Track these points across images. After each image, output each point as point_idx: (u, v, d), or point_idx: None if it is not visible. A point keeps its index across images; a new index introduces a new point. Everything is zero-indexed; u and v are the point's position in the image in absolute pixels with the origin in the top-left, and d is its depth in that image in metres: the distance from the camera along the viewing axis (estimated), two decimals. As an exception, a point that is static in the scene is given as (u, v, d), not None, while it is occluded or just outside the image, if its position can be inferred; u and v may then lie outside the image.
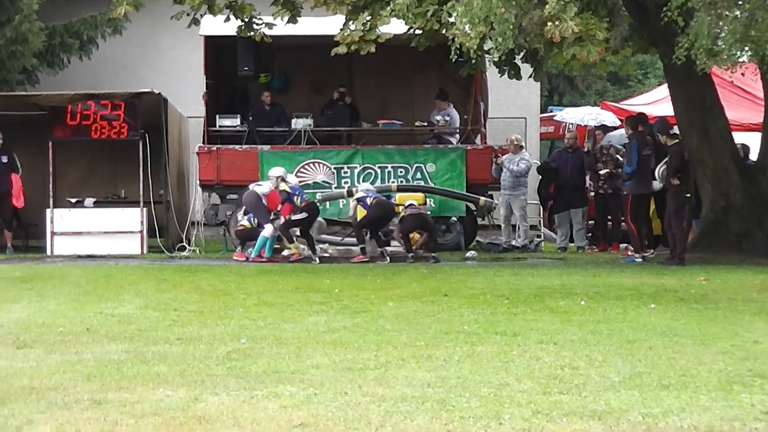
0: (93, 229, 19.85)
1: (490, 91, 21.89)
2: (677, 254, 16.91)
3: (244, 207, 18.82)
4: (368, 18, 17.86)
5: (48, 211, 19.95)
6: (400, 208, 18.46)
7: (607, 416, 6.28)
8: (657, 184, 17.94)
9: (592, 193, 20.51)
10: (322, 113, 21.54)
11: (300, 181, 19.32)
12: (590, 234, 20.96)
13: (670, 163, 17.18)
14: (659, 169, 17.48)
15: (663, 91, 22.29)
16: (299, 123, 20.80)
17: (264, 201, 18.27)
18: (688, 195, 17.32)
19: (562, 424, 6.11)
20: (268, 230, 18.15)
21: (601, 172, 20.03)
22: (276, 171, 18.53)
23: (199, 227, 20.72)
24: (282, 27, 19.16)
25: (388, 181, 20.00)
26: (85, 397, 6.82)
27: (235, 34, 19.51)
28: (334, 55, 18.14)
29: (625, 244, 19.67)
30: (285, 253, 18.32)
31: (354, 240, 18.80)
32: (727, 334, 9.47)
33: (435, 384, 7.19)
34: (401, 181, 20.03)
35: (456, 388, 7.07)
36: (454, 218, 20.45)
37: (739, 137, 19.23)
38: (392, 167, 20.44)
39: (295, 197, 18.18)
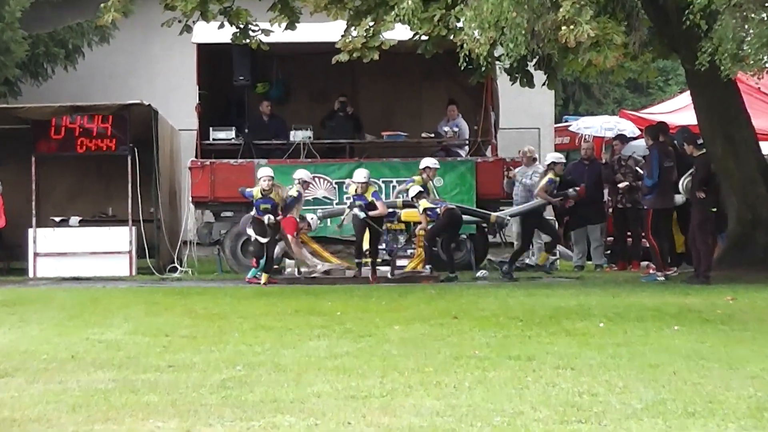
0: (78, 249, 19.85)
1: (502, 99, 21.89)
2: (702, 272, 16.87)
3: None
4: (371, 23, 17.87)
5: (30, 230, 19.96)
6: (421, 216, 18.38)
7: (629, 446, 6.26)
8: (680, 198, 17.91)
9: (611, 208, 20.48)
10: (322, 125, 21.55)
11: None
12: (609, 251, 20.93)
13: (695, 175, 17.15)
14: (683, 181, 17.46)
15: (685, 98, 22.29)
16: (298, 135, 20.81)
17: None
18: (714, 209, 17.27)
19: (581, 455, 6.10)
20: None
21: (620, 185, 19.99)
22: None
23: (191, 247, 20.73)
24: (280, 34, 19.18)
25: (393, 197, 19.96)
26: (70, 429, 6.82)
27: (229, 41, 19.55)
28: (336, 63, 18.17)
29: (646, 262, 19.64)
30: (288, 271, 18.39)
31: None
32: (756, 357, 9.44)
33: (444, 413, 7.17)
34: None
35: (467, 416, 7.05)
36: (464, 235, 20.40)
37: (766, 147, 19.21)
38: (397, 182, 20.39)
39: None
